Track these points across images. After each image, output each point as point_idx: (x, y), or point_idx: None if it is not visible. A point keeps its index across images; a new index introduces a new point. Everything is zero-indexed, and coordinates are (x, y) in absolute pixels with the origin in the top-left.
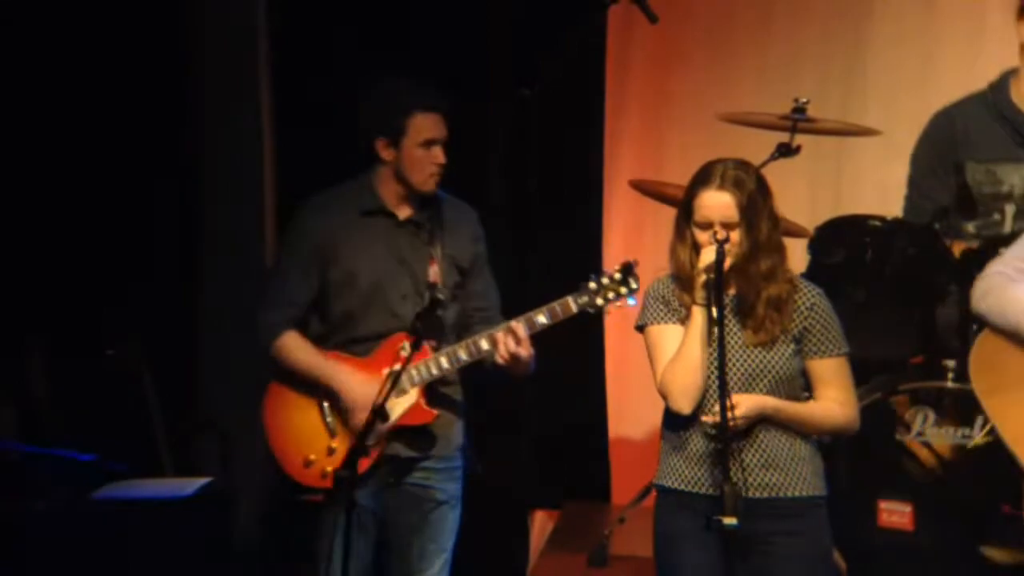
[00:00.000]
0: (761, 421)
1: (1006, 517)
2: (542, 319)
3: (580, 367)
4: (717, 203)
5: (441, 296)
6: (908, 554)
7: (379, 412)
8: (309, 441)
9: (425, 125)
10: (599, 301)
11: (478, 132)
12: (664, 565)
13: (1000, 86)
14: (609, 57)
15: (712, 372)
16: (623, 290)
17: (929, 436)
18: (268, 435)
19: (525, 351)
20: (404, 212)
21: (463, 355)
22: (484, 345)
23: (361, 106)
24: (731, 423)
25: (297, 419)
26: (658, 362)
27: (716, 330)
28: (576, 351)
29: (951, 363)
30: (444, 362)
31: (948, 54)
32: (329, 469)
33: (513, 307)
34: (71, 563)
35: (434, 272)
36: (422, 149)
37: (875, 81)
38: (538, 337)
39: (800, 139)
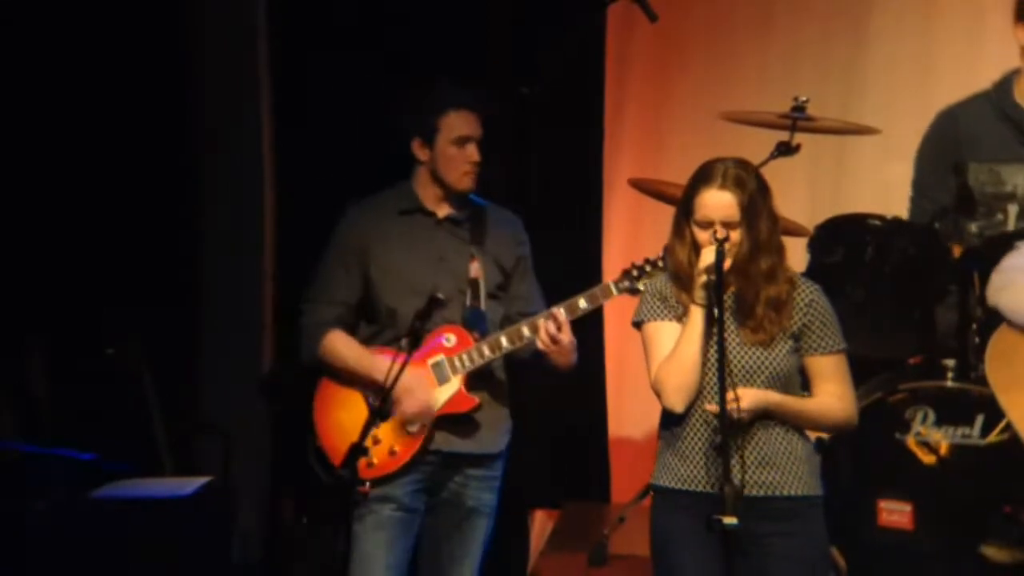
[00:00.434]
0: (760, 419)
1: (1006, 517)
2: (583, 304)
3: (580, 367)
4: (719, 202)
5: (440, 296)
6: (908, 554)
7: (385, 396)
8: (356, 433)
9: (458, 123)
10: (640, 286)
11: None
12: (661, 564)
13: (1004, 86)
14: (609, 57)
15: (711, 370)
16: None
17: (929, 436)
18: (318, 430)
19: (566, 336)
20: (443, 211)
21: (505, 342)
22: (525, 332)
23: (397, 111)
24: (735, 415)
25: (344, 413)
26: (653, 359)
27: (715, 329)
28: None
29: (951, 363)
30: (486, 350)
31: (948, 54)
32: (375, 460)
33: None
34: (71, 563)
35: (475, 268)
36: (456, 147)
37: (875, 80)
38: None
39: (800, 138)
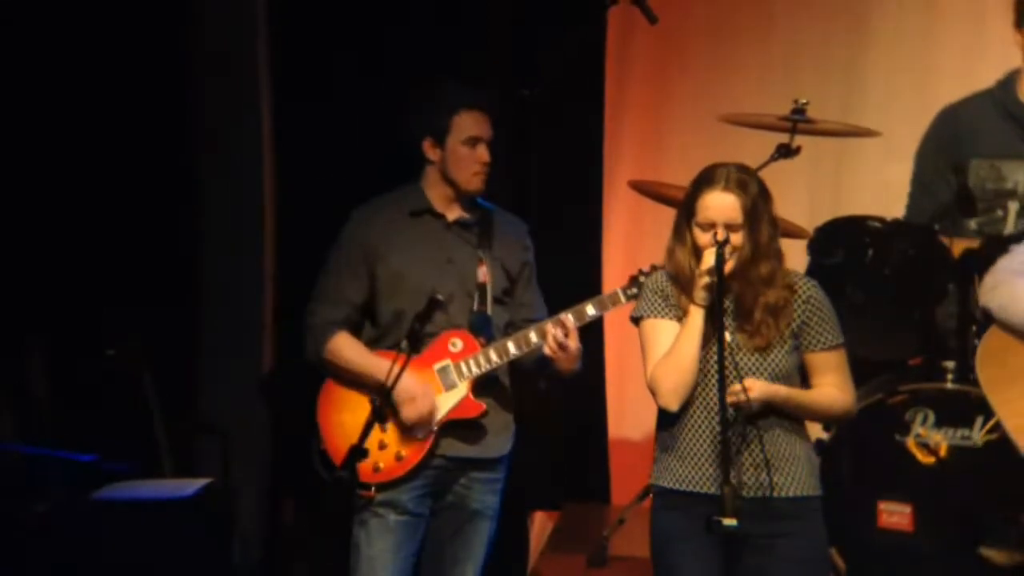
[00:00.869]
0: (759, 417)
1: (1005, 518)
2: (591, 310)
3: (580, 368)
4: (722, 204)
5: (440, 297)
6: (908, 554)
7: (386, 399)
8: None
9: (468, 123)
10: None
11: None
12: (661, 565)
13: (1007, 84)
14: (609, 57)
15: (710, 371)
16: None
17: (928, 437)
18: (322, 432)
19: (573, 342)
20: (453, 213)
21: (512, 348)
22: (533, 338)
23: (408, 112)
24: (745, 406)
25: (348, 416)
26: (650, 356)
27: (715, 330)
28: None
29: (950, 364)
30: (493, 355)
31: (948, 56)
32: (382, 465)
33: None
34: (71, 563)
35: (483, 272)
36: (466, 147)
37: (875, 81)
38: None
39: (800, 140)
